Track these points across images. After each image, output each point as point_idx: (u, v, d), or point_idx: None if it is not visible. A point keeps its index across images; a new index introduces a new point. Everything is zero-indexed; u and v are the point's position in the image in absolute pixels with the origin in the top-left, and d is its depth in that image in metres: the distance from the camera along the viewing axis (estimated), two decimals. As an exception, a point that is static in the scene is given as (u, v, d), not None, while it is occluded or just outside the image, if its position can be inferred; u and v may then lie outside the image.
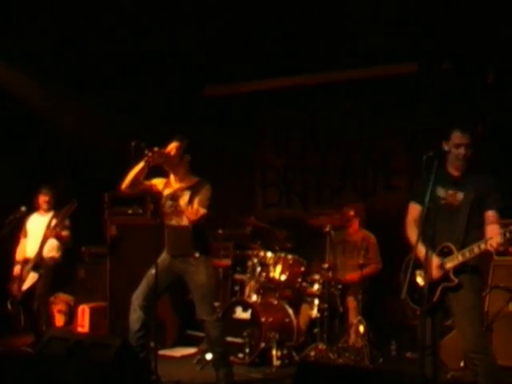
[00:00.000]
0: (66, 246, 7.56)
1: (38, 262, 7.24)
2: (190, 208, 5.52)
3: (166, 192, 5.90)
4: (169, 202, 5.84)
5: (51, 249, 7.41)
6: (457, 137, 4.73)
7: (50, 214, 7.42)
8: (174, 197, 5.80)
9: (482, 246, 4.54)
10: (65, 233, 7.45)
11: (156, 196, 5.94)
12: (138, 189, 5.74)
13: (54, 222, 7.29)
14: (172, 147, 5.77)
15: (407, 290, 4.79)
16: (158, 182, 5.96)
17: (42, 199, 7.62)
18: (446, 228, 4.70)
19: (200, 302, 5.82)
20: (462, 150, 4.72)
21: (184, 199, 5.72)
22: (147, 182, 5.87)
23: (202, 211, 5.49)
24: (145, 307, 5.74)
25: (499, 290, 6.41)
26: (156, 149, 5.59)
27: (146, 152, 5.54)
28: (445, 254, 4.68)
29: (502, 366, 5.65)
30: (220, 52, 8.07)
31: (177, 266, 5.85)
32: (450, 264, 4.64)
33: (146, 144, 5.54)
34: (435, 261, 4.66)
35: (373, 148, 8.45)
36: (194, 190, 5.74)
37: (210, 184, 5.79)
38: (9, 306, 7.24)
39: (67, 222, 7.47)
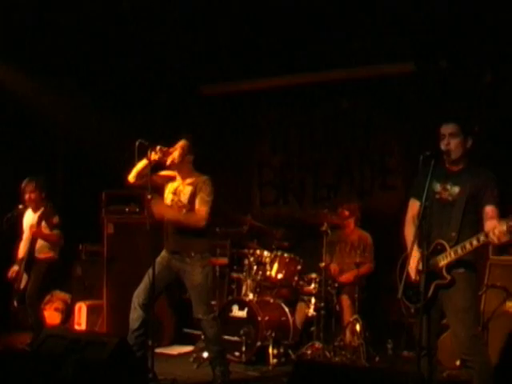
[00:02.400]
0: (57, 245, 7.32)
1: (30, 263, 7.16)
2: (194, 214, 5.68)
3: (170, 185, 5.95)
4: (170, 196, 5.90)
5: (42, 249, 7.22)
6: (441, 129, 4.72)
7: (41, 210, 7.19)
8: (176, 191, 5.87)
9: (482, 238, 4.44)
10: (48, 232, 7.19)
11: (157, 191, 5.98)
12: (145, 181, 5.75)
13: (34, 221, 7.13)
14: (177, 146, 5.82)
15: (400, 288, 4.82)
16: (165, 174, 5.99)
17: (27, 198, 7.29)
18: (440, 224, 4.68)
19: (196, 301, 5.83)
20: (445, 141, 4.67)
21: (185, 194, 5.81)
22: (155, 175, 5.89)
23: (204, 212, 5.67)
24: (145, 305, 5.74)
25: (495, 289, 6.41)
26: (158, 148, 5.64)
27: (149, 152, 5.60)
28: (438, 251, 4.64)
29: (497, 364, 5.70)
30: (217, 51, 8.07)
31: (174, 265, 5.86)
32: (442, 261, 4.61)
33: (149, 143, 5.59)
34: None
35: (369, 147, 8.46)
36: (194, 186, 5.80)
37: (209, 178, 5.83)
38: (15, 304, 7.21)
39: (56, 220, 7.23)
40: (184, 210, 5.79)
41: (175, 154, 5.80)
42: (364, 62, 8.00)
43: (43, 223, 7.14)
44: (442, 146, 4.68)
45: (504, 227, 4.38)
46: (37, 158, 8.89)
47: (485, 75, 7.37)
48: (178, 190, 5.88)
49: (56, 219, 7.27)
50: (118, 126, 8.58)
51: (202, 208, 5.71)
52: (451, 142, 4.67)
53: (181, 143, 5.85)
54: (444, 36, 7.18)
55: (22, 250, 7.30)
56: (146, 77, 8.64)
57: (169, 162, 5.83)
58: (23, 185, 7.30)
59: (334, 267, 7.42)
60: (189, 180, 5.87)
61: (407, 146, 7.97)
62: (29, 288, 7.13)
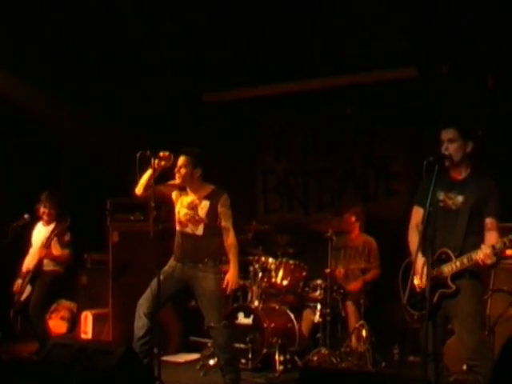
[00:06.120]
0: (64, 264, 7.40)
1: (36, 275, 7.20)
2: (230, 241, 5.88)
3: (182, 199, 5.95)
4: (184, 210, 5.90)
5: (49, 263, 7.29)
6: (440, 134, 4.75)
7: (52, 225, 7.30)
8: (191, 205, 5.89)
9: (474, 256, 4.51)
10: (58, 250, 7.27)
11: (161, 202, 5.98)
12: (151, 192, 5.75)
13: (45, 240, 7.19)
14: (181, 164, 5.81)
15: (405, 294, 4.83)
16: (172, 183, 5.99)
17: (42, 211, 7.38)
18: (444, 232, 4.67)
19: (208, 308, 5.84)
20: (443, 147, 4.70)
21: (203, 209, 5.84)
22: (161, 186, 5.91)
23: (231, 226, 5.88)
24: (150, 314, 5.74)
25: (501, 294, 6.40)
26: (160, 154, 5.63)
27: (152, 160, 5.59)
28: (443, 260, 4.66)
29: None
30: (219, 58, 8.08)
31: (185, 273, 5.88)
32: (447, 271, 4.62)
33: (151, 152, 5.57)
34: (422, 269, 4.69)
35: (373, 153, 8.45)
36: (212, 200, 5.85)
37: (226, 192, 5.91)
38: (11, 314, 7.24)
39: (67, 238, 7.33)
40: (202, 224, 5.84)
41: (182, 172, 5.81)
42: (366, 68, 8.00)
43: (55, 239, 7.18)
44: (442, 151, 4.71)
45: (488, 250, 4.45)
46: (41, 166, 8.91)
47: (487, 80, 7.38)
48: (193, 204, 5.89)
49: (67, 237, 7.33)
50: (120, 134, 8.58)
51: (228, 224, 5.88)
52: (449, 147, 4.70)
53: (183, 161, 5.81)
54: (446, 41, 7.19)
55: (29, 263, 7.32)
56: (148, 85, 8.65)
57: (178, 182, 5.88)
58: (42, 197, 7.38)
59: (339, 271, 7.43)
60: (202, 193, 5.90)
61: (411, 151, 7.97)
62: (32, 299, 7.16)
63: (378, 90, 8.14)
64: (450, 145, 4.69)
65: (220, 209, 5.84)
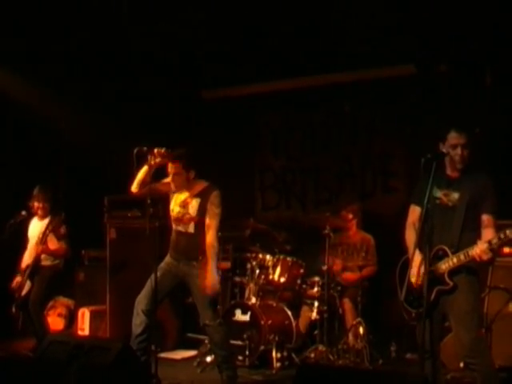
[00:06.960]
0: (62, 257, 7.38)
1: (35, 270, 7.19)
2: (209, 243, 5.69)
3: (177, 197, 5.93)
4: (177, 208, 5.88)
5: (47, 258, 7.27)
6: (452, 137, 4.72)
7: (47, 220, 7.29)
8: (184, 203, 5.85)
9: (470, 252, 4.53)
10: (55, 244, 7.24)
11: (158, 199, 5.95)
12: (147, 190, 5.73)
13: (41, 235, 7.17)
14: (175, 172, 5.76)
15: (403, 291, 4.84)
16: (168, 181, 5.94)
17: (36, 206, 7.34)
18: (440, 229, 4.69)
19: (203, 306, 5.81)
20: (458, 151, 4.70)
21: (193, 207, 5.80)
22: (157, 183, 5.89)
23: (214, 225, 5.72)
24: (148, 311, 5.72)
25: (498, 291, 6.42)
26: (155, 151, 5.62)
27: (149, 157, 5.58)
28: (439, 256, 4.67)
29: (501, 366, 5.70)
30: (218, 55, 8.08)
31: (180, 270, 5.85)
32: (444, 267, 4.63)
33: (147, 148, 5.56)
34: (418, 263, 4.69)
35: (371, 150, 8.46)
36: (203, 197, 5.79)
37: (218, 189, 5.84)
38: (13, 310, 7.24)
39: (63, 230, 7.29)
40: (192, 223, 5.79)
41: (177, 179, 5.76)
42: (365, 65, 8.01)
43: (51, 234, 7.17)
44: (456, 157, 4.70)
45: (484, 246, 4.46)
46: (39, 163, 8.90)
47: (485, 77, 7.38)
48: (185, 202, 5.86)
49: (63, 229, 7.30)
50: (118, 132, 8.57)
51: (211, 222, 5.74)
52: (464, 152, 4.71)
53: (176, 169, 5.74)
54: (444, 39, 7.19)
55: (27, 259, 7.32)
56: (147, 82, 8.64)
57: (175, 190, 5.86)
58: (35, 192, 7.35)
59: (337, 264, 7.42)
60: (195, 190, 5.86)
61: (409, 149, 7.97)
62: (32, 295, 7.16)
63: (376, 88, 8.14)
64: (465, 150, 4.71)
65: (208, 206, 5.76)
